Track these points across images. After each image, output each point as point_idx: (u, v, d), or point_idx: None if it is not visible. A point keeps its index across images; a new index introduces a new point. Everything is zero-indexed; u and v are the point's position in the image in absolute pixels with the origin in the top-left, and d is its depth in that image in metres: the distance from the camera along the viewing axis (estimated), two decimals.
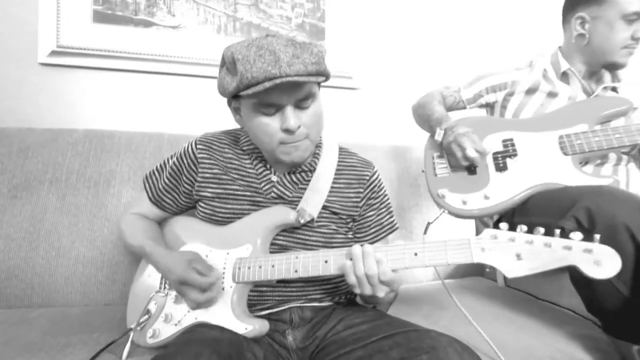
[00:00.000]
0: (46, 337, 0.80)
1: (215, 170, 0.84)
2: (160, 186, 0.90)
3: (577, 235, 0.55)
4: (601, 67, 1.00)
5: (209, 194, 0.83)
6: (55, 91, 1.30)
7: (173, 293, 0.80)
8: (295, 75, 0.65)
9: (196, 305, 0.74)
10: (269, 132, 0.72)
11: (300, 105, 0.71)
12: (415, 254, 0.63)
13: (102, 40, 1.31)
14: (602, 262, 0.52)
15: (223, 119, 1.40)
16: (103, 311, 0.96)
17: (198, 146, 0.86)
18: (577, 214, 0.71)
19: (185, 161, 0.86)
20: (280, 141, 0.73)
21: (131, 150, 1.15)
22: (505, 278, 1.21)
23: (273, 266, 0.73)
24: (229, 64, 0.69)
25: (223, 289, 0.76)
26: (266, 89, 0.65)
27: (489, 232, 0.60)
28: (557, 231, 0.56)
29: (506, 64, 1.10)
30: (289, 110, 0.70)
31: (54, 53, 1.27)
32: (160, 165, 0.92)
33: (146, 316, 0.80)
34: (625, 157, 0.99)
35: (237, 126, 0.88)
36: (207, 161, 0.84)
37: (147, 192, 0.92)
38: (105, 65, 1.32)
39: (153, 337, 0.78)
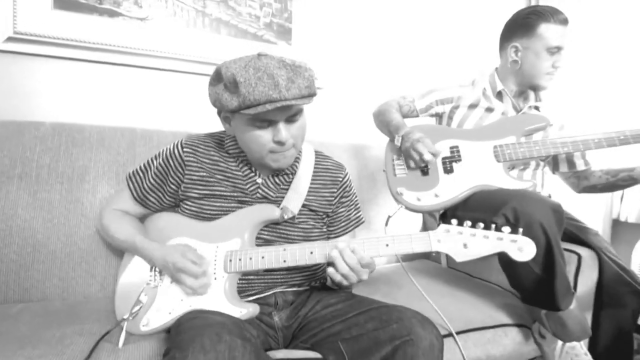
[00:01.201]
0: (38, 330, 0.82)
1: (202, 173, 0.90)
2: (146, 186, 0.94)
3: (506, 229, 0.73)
4: (528, 88, 1.22)
5: (195, 194, 0.90)
6: (12, 80, 1.24)
7: (163, 284, 0.87)
8: (292, 99, 0.75)
9: (193, 291, 0.82)
10: (262, 143, 0.81)
11: (290, 120, 0.81)
12: (387, 245, 0.77)
13: (63, 28, 1.27)
14: (524, 249, 0.71)
15: (192, 113, 1.45)
16: (85, 304, 1.00)
17: (184, 149, 0.91)
18: (506, 212, 0.91)
19: (171, 163, 0.92)
20: (271, 150, 0.82)
21: (103, 146, 1.15)
22: (447, 260, 1.43)
23: (263, 257, 0.83)
24: (229, 83, 0.76)
25: (215, 278, 0.85)
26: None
27: (443, 227, 0.76)
28: (493, 225, 0.74)
29: (453, 81, 1.29)
30: (281, 125, 0.80)
31: (10, 39, 1.21)
32: (144, 165, 0.96)
33: (138, 307, 0.86)
34: (542, 163, 1.24)
35: (216, 129, 0.96)
36: (194, 164, 0.91)
37: (130, 190, 0.96)
38: (67, 55, 1.28)
39: (147, 325, 0.85)
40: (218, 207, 0.90)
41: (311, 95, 0.79)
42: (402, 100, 1.28)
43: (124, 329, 0.83)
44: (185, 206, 0.92)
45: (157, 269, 0.89)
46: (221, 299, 0.83)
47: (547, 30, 1.10)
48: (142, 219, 0.99)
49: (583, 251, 1.08)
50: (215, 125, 1.40)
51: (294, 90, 0.75)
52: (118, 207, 0.97)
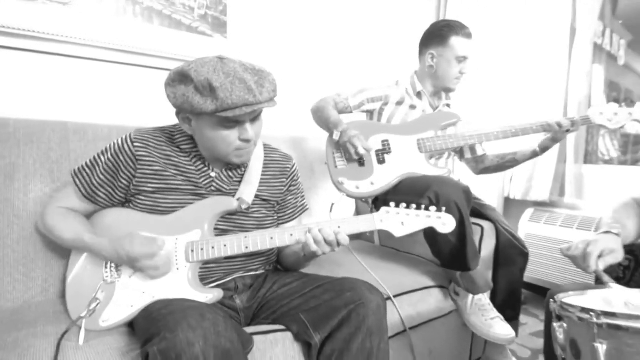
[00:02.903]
0: None
1: (156, 167, 0.91)
2: (95, 182, 0.92)
3: (433, 209, 0.90)
4: (441, 90, 1.44)
5: (150, 188, 0.91)
6: None
7: (122, 279, 0.89)
8: (265, 102, 0.83)
9: (158, 272, 0.85)
10: (229, 142, 0.86)
11: (254, 119, 0.88)
12: (339, 227, 0.89)
13: None
14: (446, 223, 0.88)
15: (126, 106, 1.41)
16: (28, 308, 0.95)
17: (135, 144, 0.91)
18: (430, 195, 1.10)
19: (122, 158, 0.91)
20: (237, 148, 0.88)
21: (33, 141, 1.08)
22: (379, 238, 1.63)
23: (225, 245, 0.90)
24: (202, 87, 0.79)
25: (178, 269, 0.89)
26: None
27: (384, 209, 0.91)
28: (423, 206, 0.90)
29: (379, 77, 1.46)
30: (248, 125, 0.86)
31: None
32: (91, 161, 0.94)
33: (95, 304, 0.87)
34: (452, 152, 1.48)
35: (151, 120, 1.01)
36: (147, 158, 0.91)
37: (78, 187, 0.93)
38: None
39: (107, 321, 0.86)
40: (173, 201, 0.92)
41: (275, 97, 0.87)
42: (337, 98, 1.41)
43: (83, 326, 0.83)
44: (139, 201, 0.92)
45: (112, 265, 0.89)
46: (185, 287, 0.88)
47: (457, 42, 1.32)
48: (89, 217, 0.97)
49: (485, 224, 1.34)
50: (150, 117, 1.40)
51: (265, 94, 0.83)
52: (63, 205, 0.94)
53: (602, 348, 0.55)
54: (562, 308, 0.65)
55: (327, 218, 0.95)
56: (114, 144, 0.93)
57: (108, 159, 0.92)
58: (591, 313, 0.56)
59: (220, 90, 0.78)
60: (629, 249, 0.99)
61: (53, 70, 1.28)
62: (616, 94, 2.31)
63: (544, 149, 1.35)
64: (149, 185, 0.91)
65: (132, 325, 0.87)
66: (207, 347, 0.63)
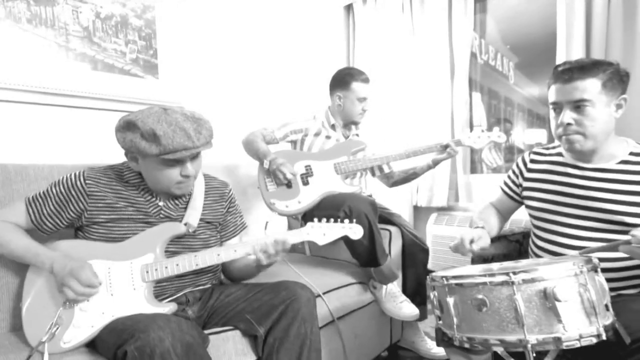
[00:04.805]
0: None
1: (108, 200, 1.05)
2: (45, 212, 1.03)
3: (347, 221, 1.16)
4: (350, 123, 1.76)
5: (102, 219, 1.04)
6: None
7: (80, 304, 0.98)
8: (202, 146, 1.00)
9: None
10: (171, 178, 1.02)
11: (194, 158, 1.05)
12: (275, 240, 1.10)
13: None
14: (356, 232, 1.14)
15: (63, 145, 1.48)
16: None
17: (87, 181, 1.04)
18: (345, 209, 1.37)
19: (73, 193, 1.03)
20: (178, 182, 1.04)
21: None
22: (310, 249, 1.87)
23: (177, 265, 1.05)
24: (147, 135, 0.95)
25: (135, 289, 1.02)
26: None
27: (309, 224, 1.14)
28: (339, 219, 1.16)
29: (298, 111, 1.72)
30: (189, 163, 1.03)
31: None
32: (44, 193, 1.05)
33: (55, 328, 0.96)
34: (364, 172, 1.79)
35: (88, 159, 1.16)
36: (98, 193, 1.04)
37: (29, 214, 1.03)
38: None
39: (69, 342, 0.95)
40: (126, 229, 1.06)
41: (211, 140, 1.06)
42: (264, 131, 1.65)
43: (46, 349, 0.91)
44: (92, 230, 1.04)
45: None
46: (143, 304, 1.01)
47: (357, 87, 1.66)
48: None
49: (392, 228, 1.65)
50: (90, 154, 1.50)
51: (202, 139, 1.00)
52: (10, 220, 1.02)
53: (451, 301, 0.83)
54: (432, 280, 0.93)
55: (262, 234, 1.15)
56: (67, 178, 1.04)
57: (60, 191, 1.03)
58: (444, 278, 0.85)
59: (163, 138, 0.94)
60: (495, 239, 1.33)
61: None
62: (510, 108, 2.76)
63: (435, 162, 1.67)
64: (102, 216, 1.04)
65: (91, 345, 0.96)
66: (175, 341, 0.80)
